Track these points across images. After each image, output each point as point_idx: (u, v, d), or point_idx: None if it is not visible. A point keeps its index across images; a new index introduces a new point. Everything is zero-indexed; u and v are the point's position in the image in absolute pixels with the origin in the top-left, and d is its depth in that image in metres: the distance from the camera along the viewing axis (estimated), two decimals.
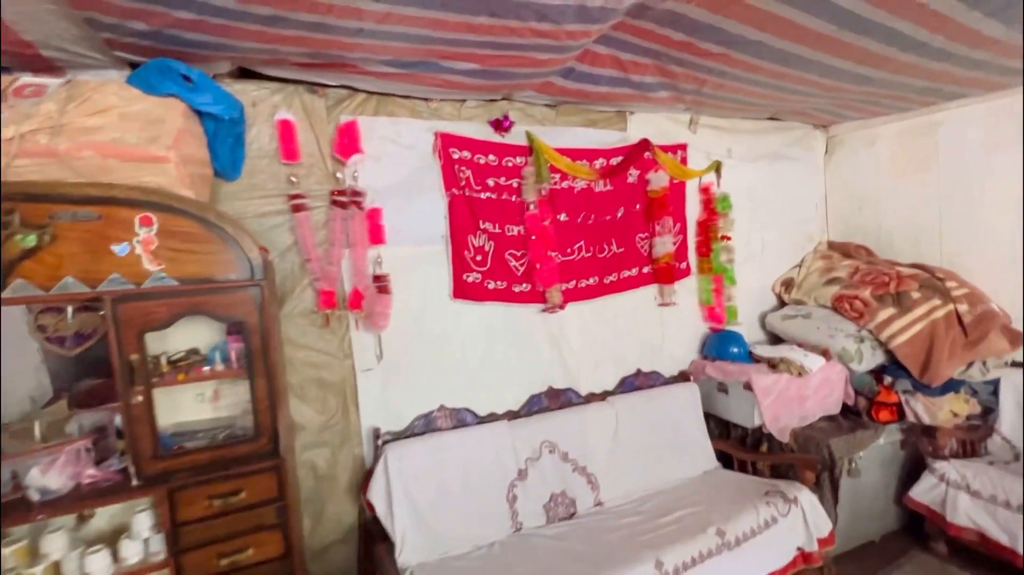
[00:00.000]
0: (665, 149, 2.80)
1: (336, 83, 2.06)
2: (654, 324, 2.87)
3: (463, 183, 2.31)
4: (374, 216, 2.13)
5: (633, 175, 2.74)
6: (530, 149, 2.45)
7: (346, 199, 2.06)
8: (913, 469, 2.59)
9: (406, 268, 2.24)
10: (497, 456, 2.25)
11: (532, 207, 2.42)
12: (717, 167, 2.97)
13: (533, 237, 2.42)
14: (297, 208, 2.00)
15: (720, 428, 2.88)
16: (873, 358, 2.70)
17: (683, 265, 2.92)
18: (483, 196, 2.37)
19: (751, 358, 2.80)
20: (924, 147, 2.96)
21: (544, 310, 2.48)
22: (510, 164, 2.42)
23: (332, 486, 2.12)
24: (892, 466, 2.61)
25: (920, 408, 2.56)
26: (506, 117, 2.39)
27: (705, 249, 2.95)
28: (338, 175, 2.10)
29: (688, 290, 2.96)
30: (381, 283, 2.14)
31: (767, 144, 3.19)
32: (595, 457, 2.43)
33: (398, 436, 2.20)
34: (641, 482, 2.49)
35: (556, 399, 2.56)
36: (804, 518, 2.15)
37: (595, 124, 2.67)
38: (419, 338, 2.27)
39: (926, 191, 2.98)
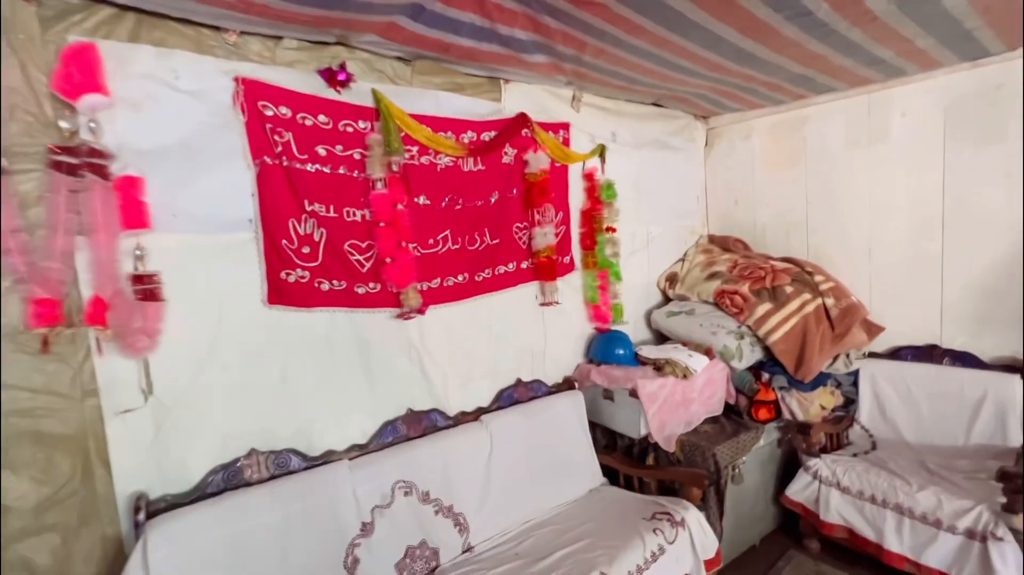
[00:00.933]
0: (546, 127, 2.45)
1: None
2: (535, 327, 2.52)
3: (279, 149, 1.72)
4: (129, 188, 1.46)
5: (509, 155, 2.34)
6: (377, 112, 1.92)
7: (76, 161, 1.37)
8: (789, 467, 2.56)
9: (190, 265, 1.60)
10: (332, 511, 1.71)
11: (380, 185, 1.90)
12: (601, 151, 2.70)
13: (382, 224, 1.90)
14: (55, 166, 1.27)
15: (607, 438, 2.63)
16: (752, 355, 2.62)
17: (566, 259, 2.61)
18: (311, 168, 1.79)
19: (637, 360, 2.58)
20: (793, 142, 2.98)
21: (398, 316, 1.98)
22: (350, 129, 1.88)
23: None
24: (770, 466, 2.55)
25: (794, 404, 2.53)
26: (342, 68, 1.83)
27: (589, 242, 2.67)
28: (62, 125, 1.39)
29: (572, 287, 2.66)
30: (145, 286, 1.48)
31: (651, 131, 3.01)
32: (464, 492, 2.01)
33: (181, 502, 1.56)
34: (520, 514, 2.12)
35: (417, 425, 2.08)
36: (692, 542, 1.93)
37: (463, 90, 2.21)
38: (215, 361, 1.64)
39: (795, 186, 3.00)
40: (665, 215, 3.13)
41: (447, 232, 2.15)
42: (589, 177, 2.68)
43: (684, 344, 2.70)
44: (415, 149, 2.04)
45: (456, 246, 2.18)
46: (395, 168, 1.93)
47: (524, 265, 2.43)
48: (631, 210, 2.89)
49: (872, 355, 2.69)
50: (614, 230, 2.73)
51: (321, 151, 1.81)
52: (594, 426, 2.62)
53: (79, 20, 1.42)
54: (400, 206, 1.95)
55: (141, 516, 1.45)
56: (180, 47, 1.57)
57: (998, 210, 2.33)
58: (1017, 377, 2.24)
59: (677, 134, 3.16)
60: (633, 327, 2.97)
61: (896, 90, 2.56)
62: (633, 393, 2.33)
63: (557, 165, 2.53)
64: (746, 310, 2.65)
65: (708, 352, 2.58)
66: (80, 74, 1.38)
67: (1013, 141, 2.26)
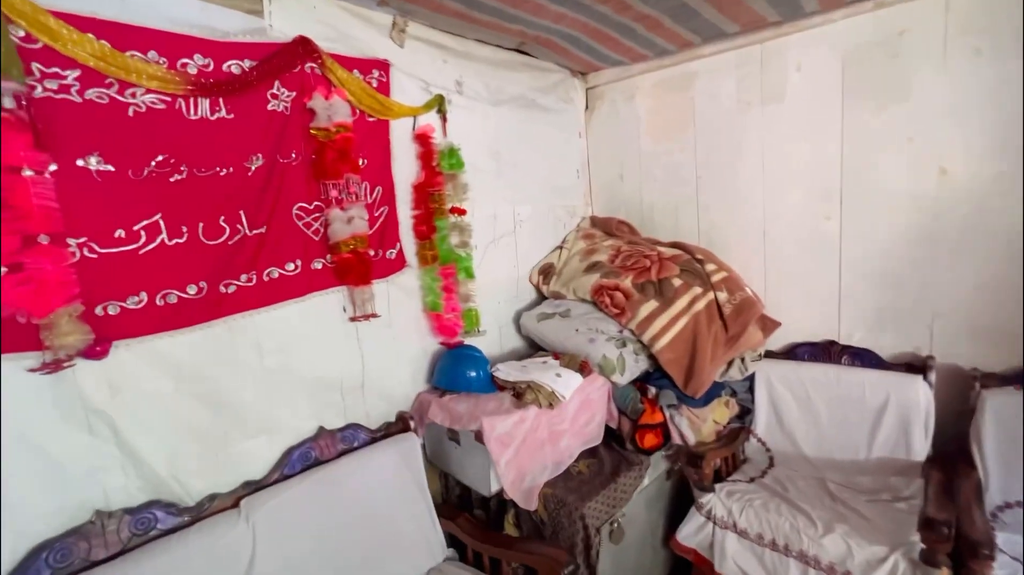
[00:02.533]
0: (348, 63, 1.68)
1: None
2: (346, 351, 1.78)
3: None
4: None
5: (282, 100, 1.54)
6: None
7: None
8: (681, 502, 2.10)
9: None
10: None
11: None
12: (440, 104, 1.99)
13: None
14: None
15: (461, 488, 1.99)
16: (637, 366, 2.10)
17: (391, 253, 1.89)
18: None
19: (494, 384, 1.95)
20: (681, 103, 2.48)
21: (40, 368, 1.14)
22: None
23: None
24: (659, 503, 2.07)
25: (685, 425, 2.05)
26: None
27: (426, 228, 1.96)
28: None
29: (404, 291, 1.95)
30: None
31: (515, 85, 2.35)
32: None
33: None
34: None
35: (109, 536, 1.27)
36: None
37: None
38: None
39: (683, 155, 2.52)
40: (537, 192, 2.51)
41: (157, 217, 1.32)
42: (423, 139, 1.96)
43: (556, 357, 2.12)
44: (72, 76, 1.18)
45: (179, 239, 1.36)
46: (7, 104, 1.06)
47: (318, 264, 1.67)
48: (489, 185, 2.23)
49: (768, 355, 2.30)
50: (462, 212, 2.05)
51: None
52: (445, 476, 1.97)
53: None
54: (30, 172, 1.10)
55: None
56: None
57: (897, 182, 1.98)
58: (919, 378, 1.93)
59: (550, 91, 2.54)
60: (499, 336, 2.35)
61: (792, 38, 2.12)
62: (479, 435, 1.69)
63: (370, 120, 1.78)
64: (628, 310, 2.12)
65: (584, 366, 2.01)
66: None
67: (917, 100, 1.90)
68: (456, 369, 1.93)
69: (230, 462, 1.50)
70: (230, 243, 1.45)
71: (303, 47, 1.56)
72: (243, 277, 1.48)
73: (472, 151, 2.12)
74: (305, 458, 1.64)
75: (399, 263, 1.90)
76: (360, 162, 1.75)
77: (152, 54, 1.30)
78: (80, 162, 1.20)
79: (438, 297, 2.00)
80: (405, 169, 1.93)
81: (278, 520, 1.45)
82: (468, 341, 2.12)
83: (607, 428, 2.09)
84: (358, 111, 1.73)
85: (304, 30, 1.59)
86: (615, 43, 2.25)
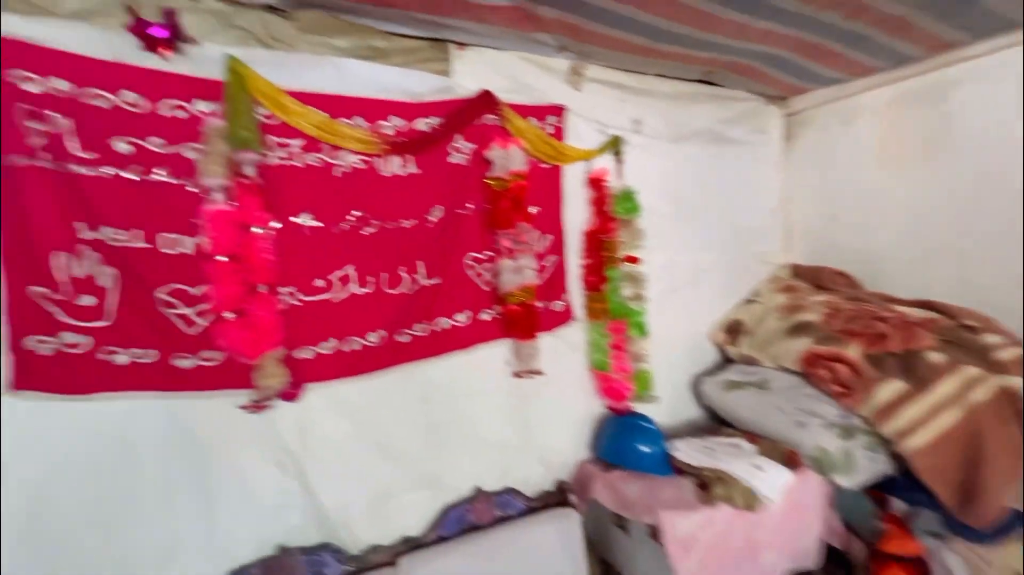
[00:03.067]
0: (525, 111, 1.66)
1: None
2: (508, 408, 1.67)
3: (43, 144, 1.09)
4: None
5: (463, 153, 1.57)
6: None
7: None
8: None
9: None
10: None
11: (218, 198, 1.20)
12: (615, 146, 1.85)
13: (223, 257, 1.20)
14: None
15: None
16: (873, 466, 1.57)
17: (558, 305, 1.75)
18: (104, 173, 1.14)
19: (670, 466, 1.63)
20: (929, 121, 1.91)
21: (248, 407, 1.24)
22: (181, 114, 1.21)
23: None
24: None
25: (959, 568, 1.43)
26: (169, 19, 1.18)
27: (596, 278, 1.79)
28: None
29: (570, 346, 1.79)
30: None
31: (699, 118, 2.09)
32: None
33: None
34: None
35: (287, 572, 1.31)
36: None
37: (386, 57, 1.49)
38: None
39: (933, 189, 1.92)
40: (721, 236, 2.16)
41: (349, 269, 1.40)
42: (596, 184, 1.82)
43: (752, 440, 1.71)
44: (296, 143, 1.34)
45: (366, 289, 1.42)
46: (247, 172, 1.23)
47: (486, 315, 1.61)
48: (667, 231, 1.99)
49: None
50: (636, 260, 1.84)
51: (122, 146, 1.15)
52: (606, 566, 1.70)
53: None
54: (259, 229, 1.24)
55: None
56: None
57: None
58: None
59: (739, 122, 2.21)
60: (671, 402, 2.02)
61: None
62: (654, 533, 1.39)
63: (544, 167, 1.71)
64: (858, 390, 1.61)
65: (791, 458, 1.57)
66: None
67: None
68: (625, 441, 1.68)
69: (392, 514, 1.48)
70: (410, 293, 1.48)
71: (484, 100, 1.58)
72: (418, 327, 1.49)
73: (648, 193, 1.91)
74: (461, 520, 1.55)
75: (566, 316, 1.76)
76: (532, 210, 1.68)
77: (357, 119, 1.41)
78: (294, 219, 1.34)
79: (606, 355, 1.79)
80: (577, 215, 1.81)
81: None
82: (639, 407, 1.85)
83: (829, 551, 1.58)
84: (532, 158, 1.68)
85: (486, 83, 1.61)
86: (835, 58, 1.85)
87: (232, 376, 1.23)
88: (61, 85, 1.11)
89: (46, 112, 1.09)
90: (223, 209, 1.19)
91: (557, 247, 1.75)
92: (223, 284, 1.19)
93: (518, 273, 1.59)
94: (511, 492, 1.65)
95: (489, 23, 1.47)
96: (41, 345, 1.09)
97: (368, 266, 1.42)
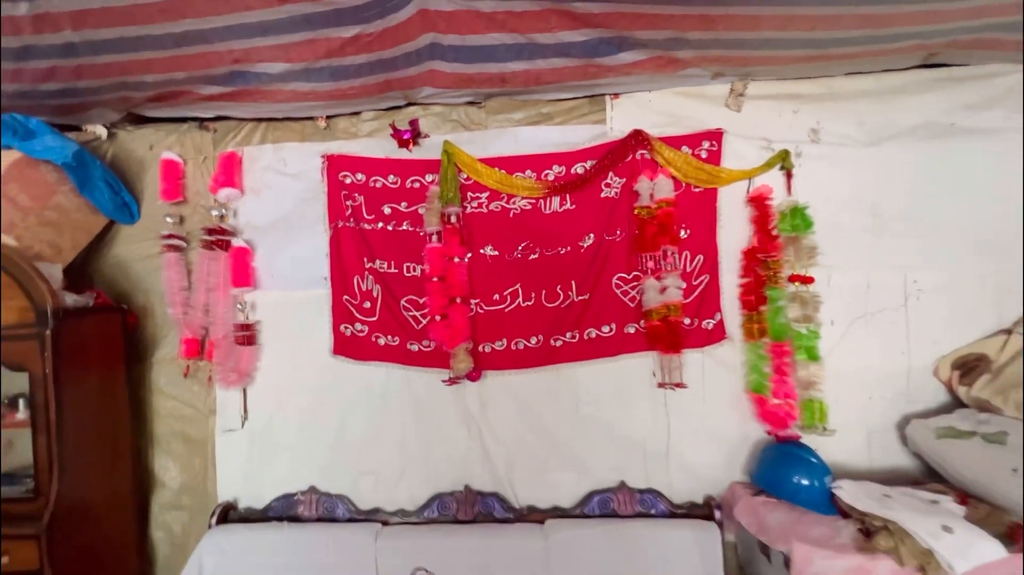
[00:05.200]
0: (676, 142, 1.81)
1: (213, 115, 1.91)
2: (652, 416, 1.82)
3: (350, 212, 1.87)
4: (240, 256, 1.87)
5: (614, 187, 1.82)
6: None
7: (212, 238, 1.87)
8: None
9: (282, 316, 1.91)
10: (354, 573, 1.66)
11: (435, 238, 1.80)
12: (783, 160, 1.78)
13: (436, 279, 1.79)
14: (168, 248, 1.89)
15: None
16: None
17: (708, 323, 1.80)
18: (377, 227, 1.87)
19: (832, 506, 1.49)
20: None
21: (447, 381, 1.79)
22: (417, 185, 1.87)
23: (184, 558, 1.87)
24: None
25: None
26: (412, 125, 1.86)
27: (754, 298, 1.76)
28: (213, 213, 1.92)
29: (723, 365, 1.80)
30: (245, 333, 1.85)
31: (914, 112, 1.78)
32: None
33: (254, 516, 1.84)
34: None
35: (469, 507, 1.81)
36: None
37: (550, 120, 1.88)
38: (292, 401, 1.89)
39: None
40: (952, 252, 1.76)
41: (517, 286, 1.83)
42: (758, 202, 1.79)
43: (963, 501, 1.40)
44: (484, 196, 1.85)
45: (528, 302, 1.83)
46: (452, 219, 1.79)
47: (631, 329, 1.81)
48: (860, 247, 1.77)
49: None
50: (808, 280, 1.72)
51: (386, 210, 1.87)
52: None
53: (233, 137, 1.96)
54: (457, 259, 1.79)
55: (214, 520, 1.78)
56: (289, 140, 1.94)
57: None
58: None
59: (987, 107, 1.75)
60: (867, 444, 1.76)
61: None
62: (788, 563, 1.35)
63: (696, 191, 1.81)
64: None
65: (1013, 532, 1.25)
66: (222, 174, 1.89)
67: None
68: (779, 469, 1.61)
69: (547, 485, 1.83)
70: (563, 306, 1.82)
71: (633, 139, 1.79)
72: (568, 334, 1.81)
73: (831, 207, 1.76)
74: (604, 505, 1.79)
75: (717, 334, 1.79)
76: (682, 233, 1.80)
77: (528, 172, 1.84)
78: (483, 251, 1.85)
79: (764, 378, 1.73)
80: (734, 235, 1.81)
81: (570, 549, 1.65)
82: (808, 439, 1.71)
83: None
84: (684, 184, 1.80)
85: (640, 123, 1.82)
86: None
87: (440, 359, 1.81)
88: (359, 177, 1.88)
89: (353, 194, 1.88)
90: (435, 246, 1.78)
91: (710, 267, 1.80)
92: (432, 296, 1.78)
93: (662, 292, 1.74)
94: (654, 493, 1.79)
95: (636, 74, 1.70)
96: (345, 330, 1.87)
97: (531, 285, 1.83)
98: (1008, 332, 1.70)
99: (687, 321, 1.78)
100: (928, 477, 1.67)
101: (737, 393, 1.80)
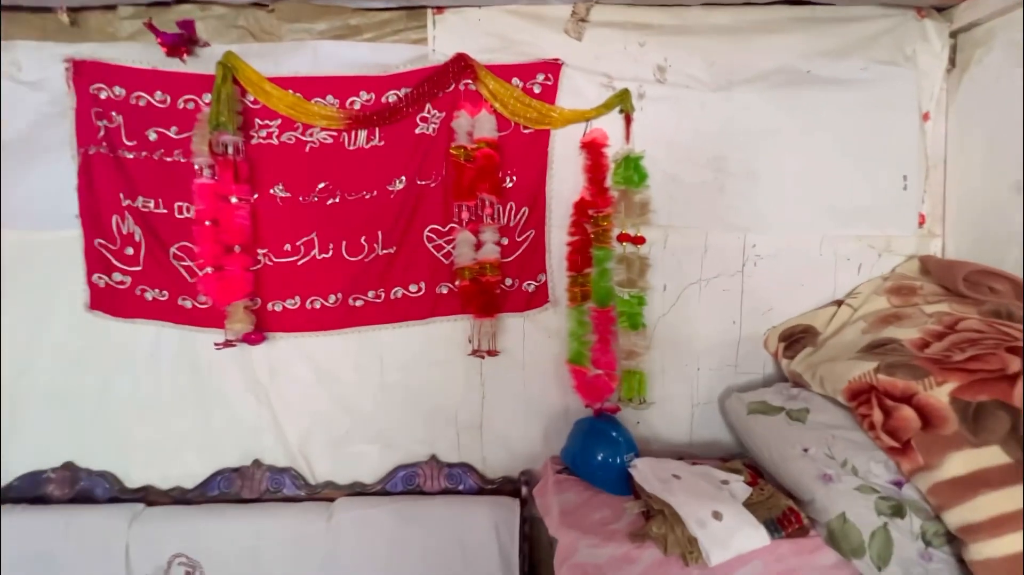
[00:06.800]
0: (506, 71, 1.53)
1: None
2: (466, 386, 1.64)
3: (103, 135, 1.51)
4: None
5: (432, 122, 1.55)
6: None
7: None
8: None
9: (24, 262, 1.56)
10: (99, 567, 1.43)
11: (205, 172, 1.48)
12: (623, 102, 1.55)
13: (206, 223, 1.48)
14: None
15: None
16: (921, 565, 1.04)
17: (530, 286, 1.60)
18: (141, 156, 1.52)
19: (629, 486, 1.38)
20: None
21: (221, 344, 1.52)
22: (191, 106, 1.52)
23: None
24: None
25: None
26: (186, 28, 1.48)
27: (580, 258, 1.57)
28: None
29: (547, 332, 1.63)
30: None
31: (772, 54, 1.58)
32: None
33: None
34: None
35: (256, 483, 1.60)
36: None
37: (358, 34, 1.55)
38: (39, 364, 1.58)
39: None
40: (800, 214, 1.61)
41: (313, 235, 1.56)
42: (592, 148, 1.57)
43: (753, 481, 1.32)
44: (275, 125, 1.53)
45: (326, 255, 1.57)
46: (229, 149, 1.47)
47: (443, 290, 1.59)
48: (703, 206, 1.61)
49: None
50: (638, 240, 1.55)
51: (151, 135, 1.52)
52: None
53: None
54: (235, 199, 1.49)
55: None
56: (26, 37, 1.52)
57: None
58: None
59: (855, 52, 1.56)
60: (690, 418, 1.67)
61: None
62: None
63: (525, 132, 1.56)
64: (919, 451, 1.07)
65: (788, 518, 1.16)
66: None
67: None
68: (583, 446, 1.47)
69: (348, 458, 1.64)
70: (366, 261, 1.57)
71: (455, 65, 1.51)
72: (370, 293, 1.58)
73: (673, 158, 1.57)
74: (408, 481, 1.62)
75: (540, 298, 1.60)
76: (507, 180, 1.56)
77: (329, 97, 1.53)
78: (273, 191, 1.55)
79: (585, 346, 1.57)
80: (567, 186, 1.60)
81: (358, 531, 1.49)
82: (630, 412, 1.59)
83: None
84: (512, 124, 1.55)
85: (467, 47, 1.53)
86: None
87: (219, 318, 1.53)
88: (118, 91, 1.51)
89: (110, 112, 1.51)
90: (204, 182, 1.47)
91: (537, 221, 1.59)
92: (202, 244, 1.47)
93: (476, 248, 1.52)
94: (465, 468, 1.64)
95: None
96: (99, 280, 1.55)
97: (330, 234, 1.56)
98: (839, 303, 1.61)
99: (508, 282, 1.58)
100: (744, 452, 1.59)
101: (560, 362, 1.63)
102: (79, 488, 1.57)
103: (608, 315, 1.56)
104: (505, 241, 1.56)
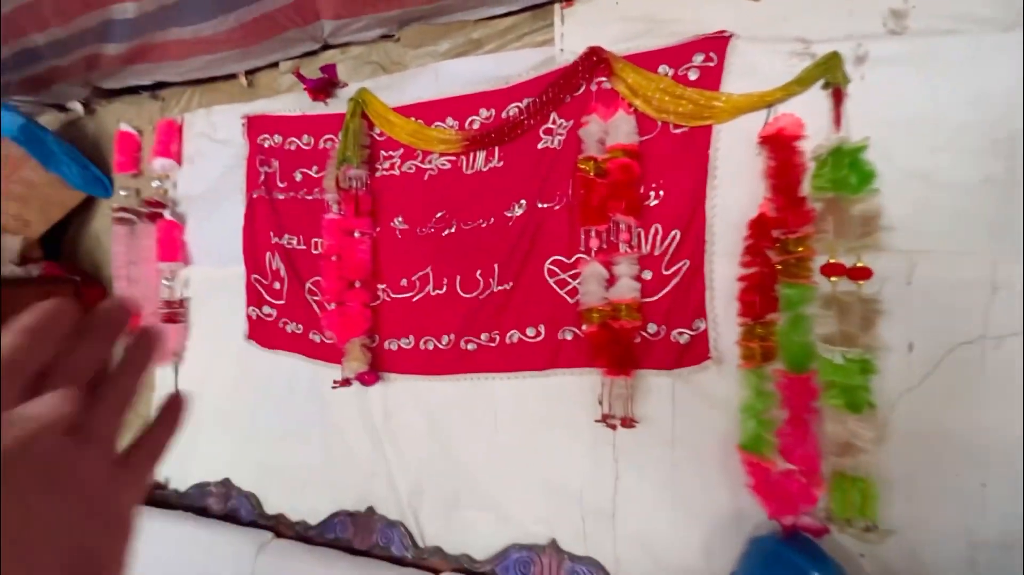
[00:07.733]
0: (650, 59, 1.22)
1: (151, 81, 1.82)
2: (592, 460, 1.28)
3: (263, 180, 1.64)
4: (167, 229, 1.77)
5: (557, 134, 1.29)
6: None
7: (147, 211, 1.80)
8: None
9: (207, 294, 1.78)
10: None
11: (333, 208, 1.48)
12: (830, 72, 1.06)
13: (333, 258, 1.47)
14: (117, 222, 1.88)
15: None
16: None
17: (683, 336, 1.18)
18: (288, 196, 1.61)
19: None
20: None
21: (338, 383, 1.46)
22: (329, 145, 1.56)
23: None
24: None
25: None
26: (326, 72, 1.54)
27: (759, 299, 1.10)
28: (154, 184, 1.85)
29: (710, 401, 1.18)
30: (168, 310, 1.76)
31: None
32: None
33: (171, 500, 1.77)
34: None
35: (367, 536, 1.49)
36: None
37: (479, 47, 1.40)
38: (212, 385, 1.76)
39: None
40: None
41: (427, 269, 1.42)
42: (779, 145, 1.10)
43: None
44: (397, 155, 1.47)
45: (440, 290, 1.41)
46: (353, 184, 1.45)
47: (566, 335, 1.28)
48: (977, 218, 0.99)
49: None
50: (862, 274, 1.02)
51: (298, 176, 1.60)
52: None
53: (175, 104, 1.86)
54: (358, 233, 1.45)
55: None
56: (219, 102, 1.78)
57: None
58: None
59: None
60: (980, 559, 1.01)
61: None
62: None
63: (675, 132, 1.19)
64: None
65: None
66: (158, 143, 1.81)
67: None
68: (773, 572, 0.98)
69: (459, 524, 1.42)
70: (480, 298, 1.36)
71: (587, 61, 1.23)
72: (483, 336, 1.35)
73: (923, 145, 1.01)
74: (523, 567, 1.32)
75: (698, 353, 1.16)
76: (651, 197, 1.20)
77: (449, 119, 1.40)
78: (392, 223, 1.47)
79: (766, 428, 1.08)
80: (738, 199, 1.15)
81: None
82: (842, 538, 1.03)
83: None
84: (659, 124, 1.19)
85: (602, 39, 1.25)
86: None
87: (339, 354, 1.50)
88: (277, 139, 1.63)
89: (269, 158, 1.64)
90: (331, 218, 1.46)
91: (692, 248, 1.17)
92: (325, 279, 1.46)
93: (607, 285, 1.19)
94: (594, 566, 1.27)
95: None
96: (254, 312, 1.66)
97: (444, 268, 1.40)
98: None
99: (652, 329, 1.19)
100: None
101: (728, 445, 1.16)
102: (230, 505, 1.68)
103: (807, 384, 1.04)
104: (648, 275, 1.19)
